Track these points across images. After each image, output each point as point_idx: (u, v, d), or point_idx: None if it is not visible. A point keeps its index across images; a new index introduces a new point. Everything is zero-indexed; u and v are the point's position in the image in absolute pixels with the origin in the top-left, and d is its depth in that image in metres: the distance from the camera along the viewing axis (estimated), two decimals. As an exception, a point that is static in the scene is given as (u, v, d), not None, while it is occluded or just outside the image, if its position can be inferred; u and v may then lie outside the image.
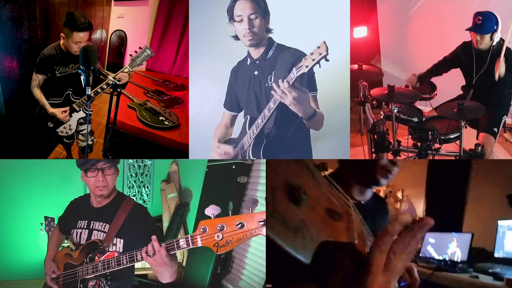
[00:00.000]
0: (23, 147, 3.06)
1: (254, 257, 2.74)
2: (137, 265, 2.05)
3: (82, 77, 2.21)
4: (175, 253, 1.72)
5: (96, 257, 2.00)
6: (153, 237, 1.70)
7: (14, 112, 2.95)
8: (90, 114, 2.86)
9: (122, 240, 2.04)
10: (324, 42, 2.03)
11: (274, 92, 2.14)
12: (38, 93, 2.91)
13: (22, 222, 3.39)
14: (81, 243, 2.11)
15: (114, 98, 2.51)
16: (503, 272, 2.38)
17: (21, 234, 3.39)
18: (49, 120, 2.90)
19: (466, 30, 3.11)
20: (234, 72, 2.50)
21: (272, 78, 2.31)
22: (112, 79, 2.59)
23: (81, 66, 2.19)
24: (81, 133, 3.07)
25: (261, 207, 2.35)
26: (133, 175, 3.78)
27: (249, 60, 2.40)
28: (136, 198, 3.81)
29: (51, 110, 2.91)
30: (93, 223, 2.12)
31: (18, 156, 3.05)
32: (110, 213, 2.09)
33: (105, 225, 2.08)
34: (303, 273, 0.59)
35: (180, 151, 3.20)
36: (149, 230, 2.11)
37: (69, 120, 2.93)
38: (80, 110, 2.95)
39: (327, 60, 2.03)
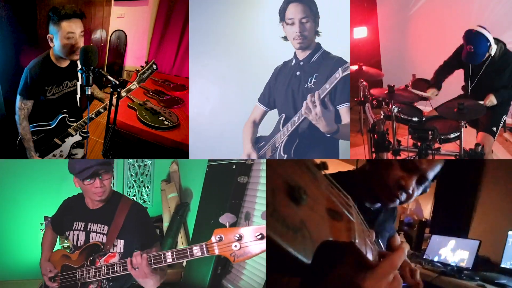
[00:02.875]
0: (23, 147, 3.05)
1: (254, 257, 2.74)
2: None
3: (82, 76, 2.19)
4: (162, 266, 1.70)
5: (97, 260, 1.98)
6: (136, 252, 1.73)
7: (14, 112, 2.94)
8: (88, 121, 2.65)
9: (122, 241, 2.04)
10: None
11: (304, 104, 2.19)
12: (27, 131, 2.46)
13: (22, 222, 3.38)
14: (79, 245, 2.09)
15: (114, 98, 2.50)
16: (510, 284, 2.36)
17: (21, 234, 3.39)
18: (35, 151, 2.59)
19: (463, 61, 3.05)
20: (277, 70, 2.54)
21: (313, 80, 2.35)
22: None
23: (81, 66, 2.18)
24: (72, 157, 2.73)
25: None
26: (133, 175, 3.78)
27: (294, 61, 2.45)
28: (136, 198, 3.81)
29: (35, 157, 2.51)
30: (90, 225, 2.09)
31: (18, 156, 3.04)
32: (108, 214, 2.07)
33: (103, 227, 2.07)
34: (303, 273, 0.59)
35: (180, 151, 3.20)
36: (147, 229, 2.14)
37: (61, 145, 2.64)
38: (76, 134, 2.63)
39: None
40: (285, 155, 2.41)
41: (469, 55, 2.97)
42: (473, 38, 2.92)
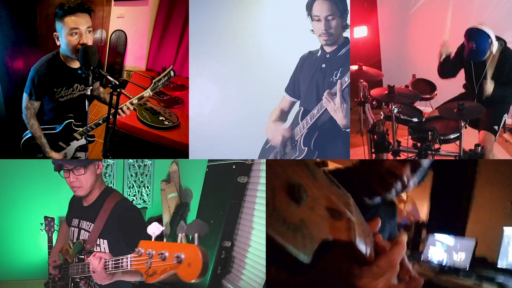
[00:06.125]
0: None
1: (254, 257, 2.74)
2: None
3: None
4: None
5: (85, 257, 1.97)
6: (95, 254, 1.66)
7: (14, 112, 2.94)
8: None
9: (105, 241, 1.96)
10: None
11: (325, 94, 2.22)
12: (36, 129, 2.40)
13: (22, 222, 3.39)
14: (74, 241, 2.12)
15: (114, 98, 2.50)
16: (507, 283, 2.37)
17: (21, 234, 3.39)
18: (38, 152, 2.50)
19: (465, 58, 3.06)
20: (302, 59, 2.53)
21: (338, 74, 2.35)
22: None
23: (81, 66, 2.17)
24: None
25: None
26: (133, 175, 3.79)
27: (320, 52, 2.44)
28: (136, 198, 3.81)
29: (51, 154, 2.46)
30: (81, 222, 2.09)
31: (18, 156, 3.04)
32: (95, 212, 2.01)
33: (90, 225, 2.02)
34: (303, 272, 0.59)
35: (180, 151, 3.20)
36: (133, 227, 1.94)
37: (65, 148, 2.57)
38: (81, 138, 2.57)
39: None
40: (306, 148, 2.42)
41: (472, 52, 2.99)
42: (475, 35, 2.94)
